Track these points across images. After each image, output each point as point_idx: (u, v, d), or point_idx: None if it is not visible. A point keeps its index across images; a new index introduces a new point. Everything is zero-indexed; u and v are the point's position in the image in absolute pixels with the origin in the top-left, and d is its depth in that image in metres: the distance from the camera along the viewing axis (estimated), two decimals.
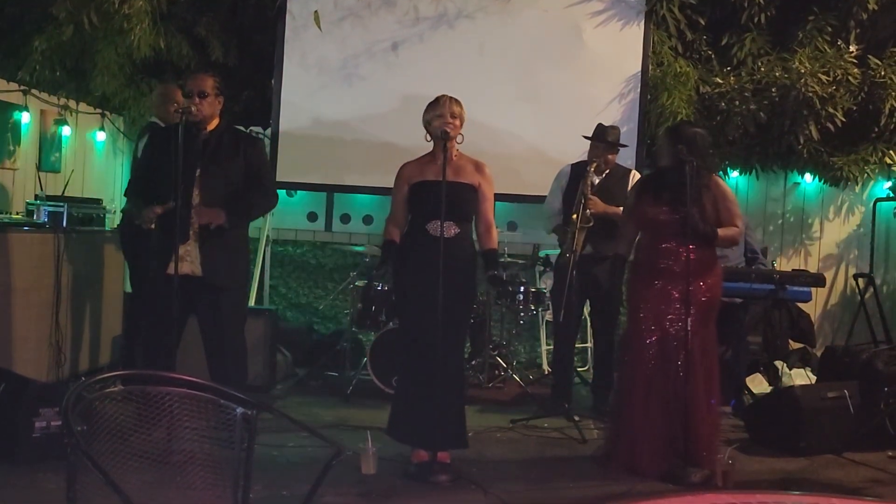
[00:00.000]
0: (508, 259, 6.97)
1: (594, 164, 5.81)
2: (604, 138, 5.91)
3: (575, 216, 5.56)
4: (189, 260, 4.59)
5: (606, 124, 6.06)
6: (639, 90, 7.29)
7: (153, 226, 4.62)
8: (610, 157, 5.97)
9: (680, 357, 4.60)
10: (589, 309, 6.53)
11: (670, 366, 4.63)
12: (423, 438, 4.51)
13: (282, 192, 7.44)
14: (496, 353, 6.96)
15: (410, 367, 4.63)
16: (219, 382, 2.68)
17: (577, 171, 5.97)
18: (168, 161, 4.43)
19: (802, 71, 7.06)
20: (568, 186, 6.01)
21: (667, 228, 4.72)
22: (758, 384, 6.48)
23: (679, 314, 4.64)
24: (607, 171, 5.98)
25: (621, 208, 5.68)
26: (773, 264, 7.49)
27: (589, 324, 7.11)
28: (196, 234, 4.59)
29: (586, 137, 6.02)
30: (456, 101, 4.60)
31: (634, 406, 4.67)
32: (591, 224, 5.59)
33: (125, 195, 5.10)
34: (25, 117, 6.83)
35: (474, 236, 4.78)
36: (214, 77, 4.76)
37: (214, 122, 4.74)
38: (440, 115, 4.55)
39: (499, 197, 4.76)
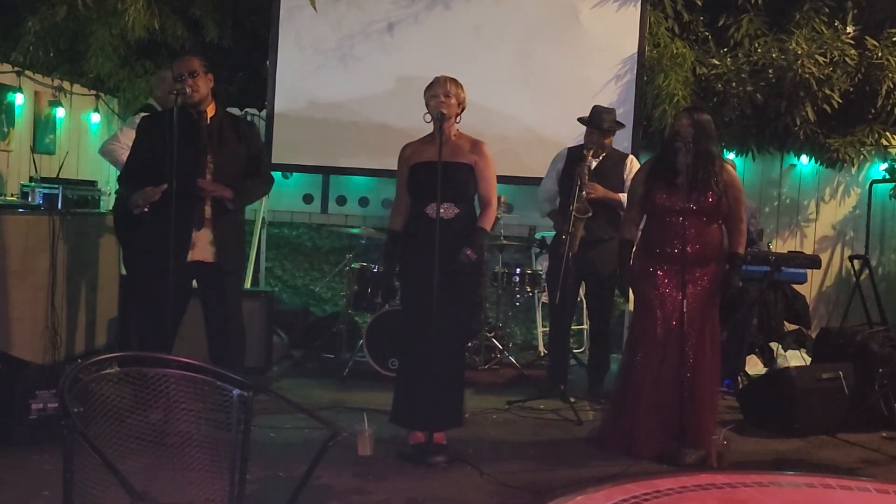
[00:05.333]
0: (504, 241, 6.98)
1: (591, 151, 5.78)
2: (600, 124, 5.87)
3: (572, 206, 5.52)
4: (200, 246, 4.61)
5: (602, 106, 6.03)
6: (635, 72, 7.26)
7: (146, 209, 4.60)
8: (606, 140, 5.95)
9: (689, 341, 4.60)
10: (585, 291, 6.54)
11: (680, 350, 4.62)
12: (423, 420, 4.52)
13: (277, 174, 7.41)
14: (492, 335, 6.98)
15: (410, 350, 4.63)
16: (219, 364, 2.68)
17: (574, 155, 5.95)
18: (166, 146, 4.41)
19: (799, 52, 7.05)
20: (564, 170, 5.99)
21: (679, 214, 4.67)
22: (753, 365, 6.50)
23: (689, 298, 4.62)
24: (604, 155, 5.96)
25: (621, 194, 5.68)
26: (768, 246, 7.50)
27: (584, 306, 7.11)
28: (209, 220, 4.62)
29: (581, 122, 6.00)
30: (453, 80, 4.60)
31: (641, 390, 4.66)
32: (590, 214, 5.56)
33: (119, 181, 5.07)
34: (19, 99, 6.79)
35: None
36: (199, 56, 4.80)
37: (212, 108, 4.73)
38: (434, 96, 4.56)
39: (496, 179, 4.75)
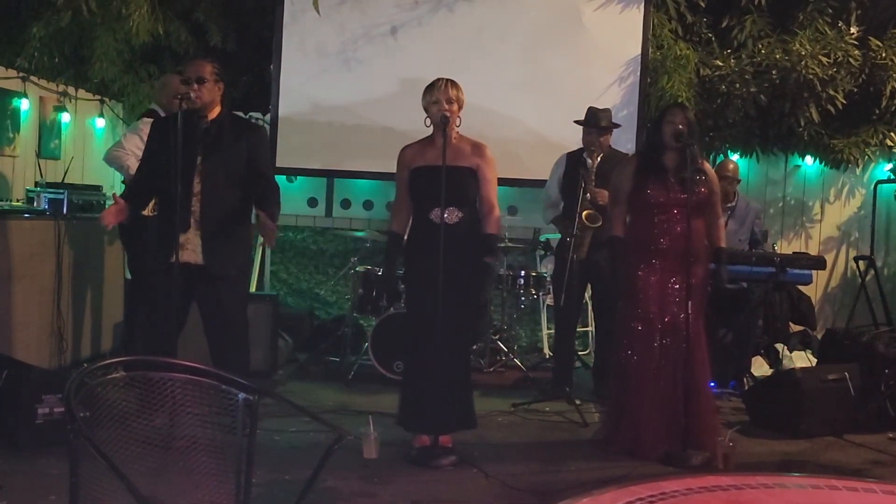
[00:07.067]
0: (509, 244, 6.97)
1: (593, 153, 5.78)
2: (596, 123, 5.87)
3: (584, 214, 5.50)
4: (190, 248, 4.58)
5: (598, 107, 6.02)
6: (639, 73, 7.26)
7: (150, 213, 4.64)
8: (602, 139, 5.94)
9: (680, 339, 4.60)
10: (590, 293, 6.53)
11: (670, 348, 4.63)
12: (428, 423, 4.51)
13: (282, 178, 7.44)
14: (497, 337, 6.97)
15: (415, 353, 4.63)
16: (221, 369, 2.68)
17: (574, 159, 5.96)
18: (169, 150, 4.41)
19: (803, 53, 7.04)
20: (565, 174, 6.00)
21: (668, 210, 4.70)
22: (758, 367, 6.49)
23: (677, 295, 4.64)
24: (602, 155, 5.94)
25: None
26: (773, 247, 7.49)
27: (590, 308, 7.11)
28: (197, 222, 4.59)
29: (578, 123, 6.00)
30: (453, 83, 4.55)
31: (643, 391, 4.66)
32: (600, 223, 5.52)
33: (130, 190, 5.08)
34: (24, 104, 6.81)
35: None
36: (213, 63, 4.70)
37: (216, 110, 4.69)
38: (436, 101, 4.50)
39: (499, 181, 4.73)
